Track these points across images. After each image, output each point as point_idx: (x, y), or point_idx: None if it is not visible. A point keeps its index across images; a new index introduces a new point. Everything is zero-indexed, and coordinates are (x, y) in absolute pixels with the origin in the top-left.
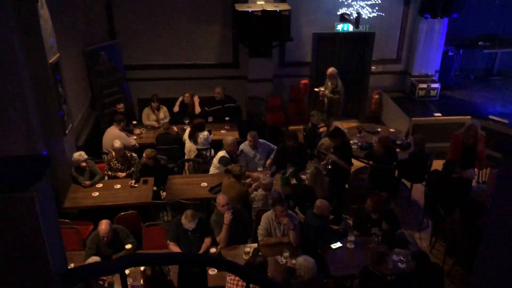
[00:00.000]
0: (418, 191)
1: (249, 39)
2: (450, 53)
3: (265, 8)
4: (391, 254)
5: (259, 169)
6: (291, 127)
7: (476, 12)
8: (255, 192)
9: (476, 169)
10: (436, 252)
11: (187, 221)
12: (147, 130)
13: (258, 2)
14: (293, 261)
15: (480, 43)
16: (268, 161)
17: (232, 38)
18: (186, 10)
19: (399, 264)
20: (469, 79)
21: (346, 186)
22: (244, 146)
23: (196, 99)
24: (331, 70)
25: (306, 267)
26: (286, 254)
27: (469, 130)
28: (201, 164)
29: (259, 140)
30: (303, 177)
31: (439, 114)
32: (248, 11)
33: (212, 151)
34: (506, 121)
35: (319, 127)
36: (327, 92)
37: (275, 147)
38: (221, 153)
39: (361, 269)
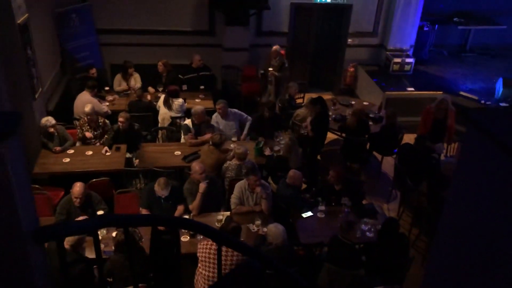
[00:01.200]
0: (388, 163)
1: (225, 6)
2: (425, 28)
3: None
4: (360, 224)
5: (233, 139)
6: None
7: None
8: (228, 162)
9: (445, 143)
10: (403, 222)
11: (160, 189)
12: (120, 97)
13: None
14: (264, 229)
15: (455, 19)
16: (244, 134)
17: (208, 4)
18: None
19: (367, 233)
20: (443, 55)
21: (318, 157)
22: (215, 116)
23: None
24: (275, 47)
25: (276, 233)
26: (258, 222)
27: (440, 105)
28: (175, 132)
29: (231, 109)
30: (276, 147)
31: (412, 89)
32: None
33: (186, 119)
34: (476, 97)
35: (296, 98)
36: (275, 72)
37: (249, 117)
38: (186, 121)
39: (330, 237)
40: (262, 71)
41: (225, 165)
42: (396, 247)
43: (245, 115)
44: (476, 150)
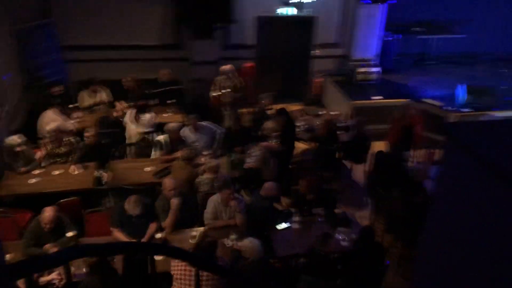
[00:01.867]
0: (358, 171)
1: (190, 20)
2: (389, 38)
3: None
4: (334, 233)
5: (205, 152)
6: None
7: None
8: (201, 176)
9: (413, 150)
10: (375, 229)
11: (131, 207)
12: (86, 113)
13: None
14: (240, 244)
15: (416, 29)
16: (214, 147)
17: (174, 18)
18: None
19: (342, 242)
20: (406, 63)
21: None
22: (185, 130)
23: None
24: (227, 67)
25: (252, 248)
26: (233, 236)
27: (406, 112)
28: (144, 148)
29: (202, 123)
30: (248, 160)
31: (379, 97)
32: None
33: (156, 135)
34: (439, 103)
35: (268, 109)
36: (229, 92)
37: (221, 129)
38: (159, 137)
39: (307, 250)
40: (214, 94)
41: (197, 179)
42: (372, 256)
43: (216, 128)
44: (455, 163)
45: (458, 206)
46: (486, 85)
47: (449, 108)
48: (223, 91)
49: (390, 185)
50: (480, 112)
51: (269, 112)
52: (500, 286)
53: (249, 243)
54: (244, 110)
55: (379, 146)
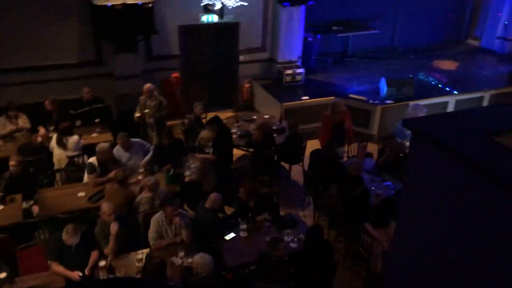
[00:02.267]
0: (296, 172)
1: (111, 35)
2: (309, 39)
3: (125, 2)
4: (283, 236)
5: (140, 170)
6: (168, 122)
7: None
8: (140, 196)
9: (346, 146)
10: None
11: (69, 237)
12: (6, 141)
13: None
14: (189, 260)
15: (334, 27)
16: (144, 161)
17: (93, 34)
18: (37, 7)
19: (291, 244)
20: (328, 62)
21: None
22: (117, 149)
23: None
24: (148, 86)
25: (203, 264)
26: (181, 253)
27: (334, 109)
28: (74, 172)
29: (133, 140)
30: (187, 173)
31: (307, 97)
32: (107, 5)
33: (85, 157)
34: (364, 98)
35: (201, 118)
36: (150, 112)
37: (151, 145)
38: (90, 159)
39: (257, 255)
40: (138, 115)
41: (136, 199)
42: (322, 254)
43: (148, 144)
44: (422, 155)
45: (427, 194)
46: (404, 77)
47: (374, 101)
48: (146, 111)
49: (328, 181)
50: (402, 102)
51: (202, 121)
52: (470, 272)
53: (199, 259)
54: (176, 121)
55: (313, 144)
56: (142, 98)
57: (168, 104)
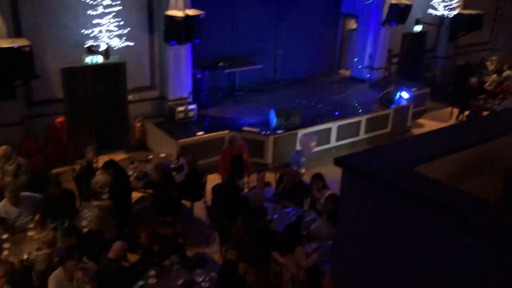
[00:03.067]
0: (198, 208)
1: None
2: (198, 75)
3: None
4: (194, 277)
5: (30, 225)
6: (55, 171)
7: (214, 37)
8: (35, 253)
9: (245, 177)
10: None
11: None
12: None
13: None
14: None
15: (220, 64)
16: (37, 216)
17: None
18: None
19: (204, 284)
20: (218, 97)
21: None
22: (3, 206)
23: None
24: (2, 148)
25: None
26: None
27: (232, 142)
28: None
29: (23, 194)
30: (83, 222)
31: (202, 132)
32: None
33: None
34: (256, 129)
35: (93, 163)
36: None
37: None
38: None
39: None
40: None
41: (31, 258)
42: None
43: (38, 196)
44: (353, 190)
45: (360, 226)
46: (291, 107)
47: (266, 132)
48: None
49: (232, 215)
50: (291, 131)
51: (94, 166)
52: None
53: None
54: (64, 168)
55: (213, 179)
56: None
57: (54, 151)
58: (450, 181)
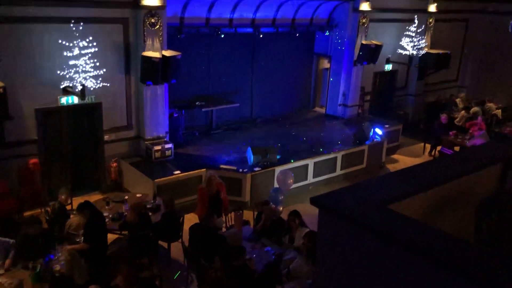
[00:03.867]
0: (176, 249)
1: None
2: (175, 115)
3: None
4: None
5: (0, 271)
6: (27, 213)
7: (191, 76)
8: None
9: (223, 216)
10: None
11: None
12: None
13: None
14: None
15: (197, 103)
16: (8, 261)
17: None
18: None
19: None
20: (195, 136)
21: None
22: None
23: None
24: None
25: None
26: None
27: (210, 181)
28: None
29: None
30: (56, 267)
31: (178, 172)
32: None
33: None
34: (234, 167)
35: (67, 204)
36: None
37: (13, 241)
38: None
39: None
40: None
41: None
42: None
43: (9, 240)
44: (329, 228)
45: (339, 263)
46: (267, 145)
47: (243, 170)
48: None
49: (210, 255)
50: (269, 168)
51: (68, 207)
52: None
53: None
54: (37, 210)
55: (189, 218)
56: None
57: (28, 193)
58: (423, 217)
